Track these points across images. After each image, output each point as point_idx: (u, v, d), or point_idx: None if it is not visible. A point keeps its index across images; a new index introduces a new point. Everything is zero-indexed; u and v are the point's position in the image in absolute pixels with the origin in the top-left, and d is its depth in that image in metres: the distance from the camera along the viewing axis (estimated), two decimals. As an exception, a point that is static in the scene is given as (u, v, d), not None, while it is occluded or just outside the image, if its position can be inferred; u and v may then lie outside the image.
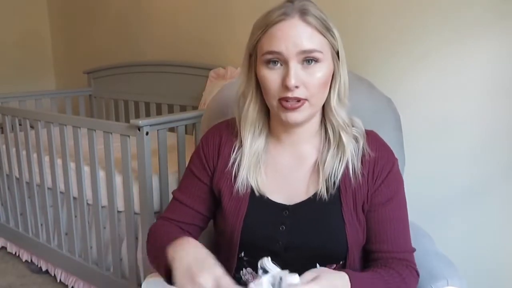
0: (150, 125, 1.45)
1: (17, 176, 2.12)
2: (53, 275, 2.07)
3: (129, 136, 1.49)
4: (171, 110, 2.32)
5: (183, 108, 2.25)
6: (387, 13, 1.48)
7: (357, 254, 0.86)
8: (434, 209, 1.44)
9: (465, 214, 1.40)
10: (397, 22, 1.46)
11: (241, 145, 0.88)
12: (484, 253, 1.38)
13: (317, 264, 0.84)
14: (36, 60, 3.33)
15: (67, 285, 1.99)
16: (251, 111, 0.85)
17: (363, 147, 0.84)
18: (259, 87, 0.83)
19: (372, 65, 1.51)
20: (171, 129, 1.66)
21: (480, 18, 1.29)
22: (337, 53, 0.81)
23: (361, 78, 1.22)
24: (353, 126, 0.86)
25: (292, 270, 0.84)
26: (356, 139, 0.85)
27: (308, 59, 0.76)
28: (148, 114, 2.46)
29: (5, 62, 3.13)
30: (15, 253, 2.29)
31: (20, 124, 2.05)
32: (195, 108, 2.14)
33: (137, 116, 2.54)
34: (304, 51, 0.75)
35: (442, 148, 1.41)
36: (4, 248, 2.38)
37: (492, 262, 1.37)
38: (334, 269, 0.84)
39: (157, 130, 1.49)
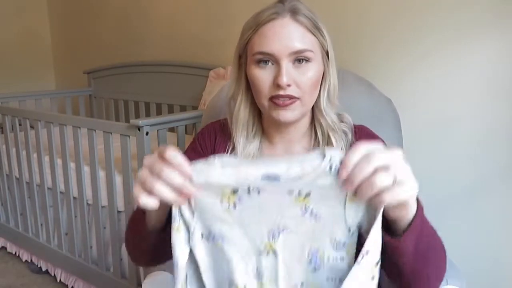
0: (150, 125, 1.45)
1: (17, 176, 2.12)
2: (53, 275, 2.07)
3: (129, 136, 1.49)
4: (171, 110, 2.32)
5: (183, 108, 2.25)
6: (387, 13, 1.48)
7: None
8: (434, 209, 1.44)
9: (465, 214, 1.40)
10: (397, 22, 1.46)
11: (234, 147, 0.87)
12: (484, 253, 1.38)
13: None
14: (36, 60, 3.33)
15: (67, 285, 1.99)
16: (242, 113, 0.85)
17: (351, 139, 0.85)
18: (250, 89, 0.82)
19: (372, 65, 1.51)
20: (171, 129, 1.66)
21: (480, 18, 1.29)
22: (327, 54, 0.80)
23: (361, 78, 1.22)
24: (342, 122, 0.86)
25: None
26: (345, 133, 0.85)
27: (300, 58, 0.76)
28: (148, 114, 2.46)
29: (5, 62, 3.13)
30: (15, 253, 2.29)
31: (20, 124, 2.05)
32: (195, 108, 2.15)
33: (137, 116, 2.54)
34: (296, 52, 0.75)
35: (442, 148, 1.41)
36: (4, 248, 2.38)
37: (491, 262, 1.37)
38: None
39: (157, 130, 1.49)
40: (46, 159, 1.92)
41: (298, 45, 0.75)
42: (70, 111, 2.74)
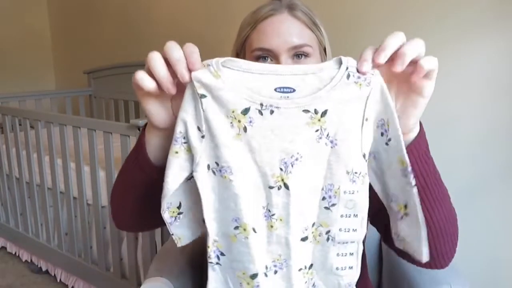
0: (150, 125, 1.45)
1: (17, 176, 2.12)
2: (53, 275, 2.07)
3: (129, 136, 1.49)
4: (171, 110, 2.31)
5: (183, 108, 2.25)
6: (386, 13, 1.48)
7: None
8: (434, 209, 1.44)
9: (464, 214, 1.39)
10: (396, 22, 1.46)
11: None
12: (483, 252, 1.38)
13: None
14: (36, 60, 3.33)
15: (67, 285, 1.99)
16: None
17: None
18: None
19: (372, 65, 1.51)
20: (171, 129, 1.66)
21: (480, 18, 1.29)
22: (324, 50, 0.81)
23: (361, 78, 1.21)
24: None
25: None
26: None
27: (299, 53, 0.76)
28: (148, 114, 2.46)
29: (5, 62, 3.14)
30: (15, 253, 2.29)
31: (20, 124, 2.05)
32: (195, 108, 2.14)
33: (137, 116, 2.54)
34: (295, 47, 0.75)
35: (442, 148, 1.41)
36: (4, 248, 2.38)
37: (491, 261, 1.37)
38: None
39: (157, 130, 1.48)
40: (46, 159, 1.92)
41: (296, 40, 0.75)
42: (70, 111, 2.74)
